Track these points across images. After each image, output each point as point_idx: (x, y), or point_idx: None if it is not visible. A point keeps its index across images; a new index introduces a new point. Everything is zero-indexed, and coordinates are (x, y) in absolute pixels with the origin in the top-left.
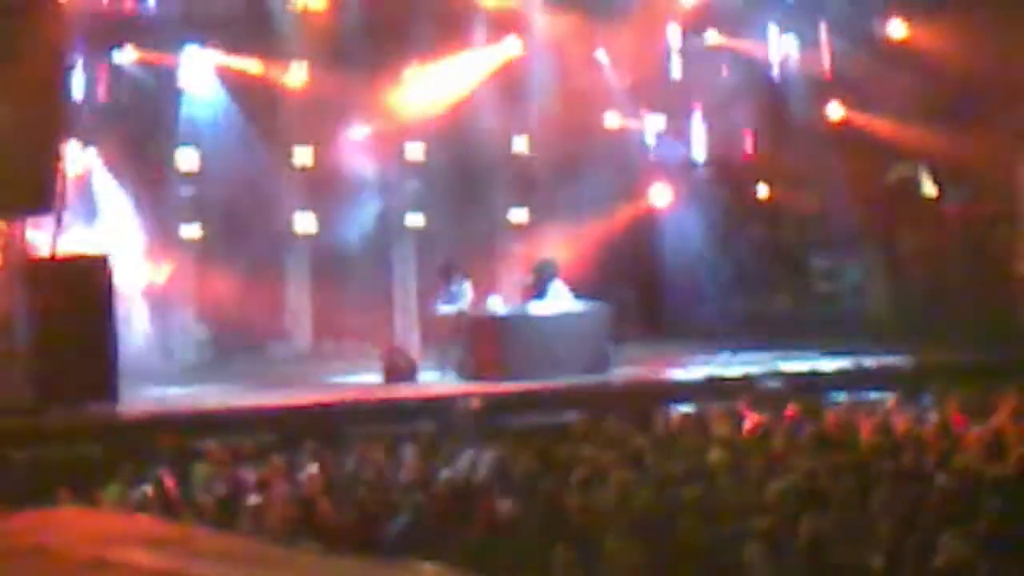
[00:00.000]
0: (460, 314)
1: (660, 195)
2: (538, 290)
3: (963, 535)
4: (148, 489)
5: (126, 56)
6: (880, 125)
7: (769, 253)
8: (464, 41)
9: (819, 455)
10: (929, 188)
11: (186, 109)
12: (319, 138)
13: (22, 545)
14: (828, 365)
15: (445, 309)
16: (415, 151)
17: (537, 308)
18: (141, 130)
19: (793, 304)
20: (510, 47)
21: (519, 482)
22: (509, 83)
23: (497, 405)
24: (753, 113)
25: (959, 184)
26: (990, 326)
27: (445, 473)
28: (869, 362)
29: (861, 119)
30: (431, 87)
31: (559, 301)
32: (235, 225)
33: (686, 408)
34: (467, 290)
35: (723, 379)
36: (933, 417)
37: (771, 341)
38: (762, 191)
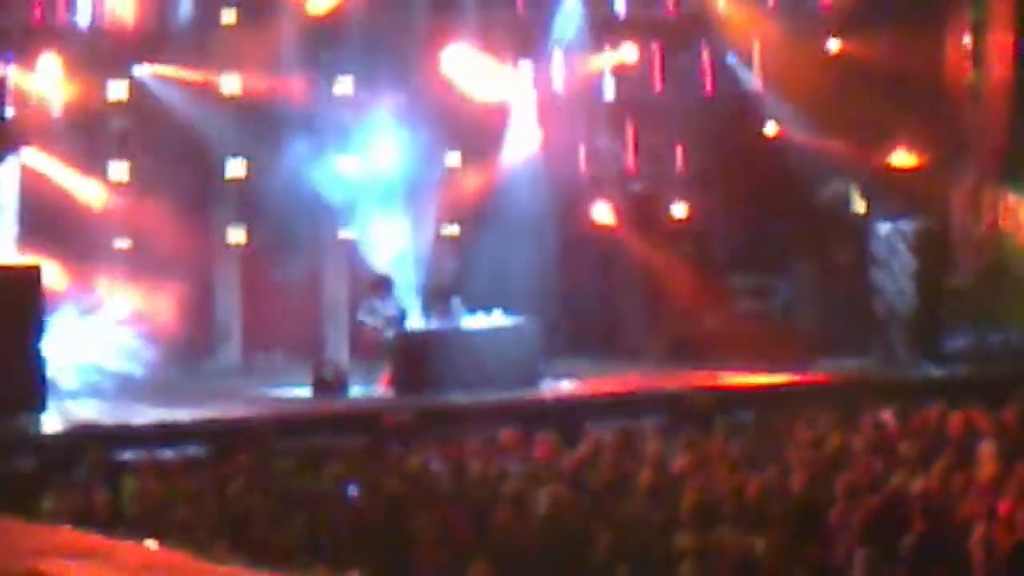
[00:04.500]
0: (387, 327)
1: (601, 213)
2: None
3: (884, 551)
4: (77, 501)
5: (55, 67)
6: (811, 141)
7: (697, 270)
8: (400, 55)
9: (748, 473)
10: (860, 204)
11: (117, 120)
12: (251, 150)
13: None
14: (759, 382)
15: (368, 320)
16: (348, 164)
17: (467, 322)
18: (76, 142)
19: (721, 322)
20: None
21: (444, 496)
22: (440, 99)
23: (426, 419)
24: (685, 130)
25: (890, 200)
26: (923, 342)
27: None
28: (800, 378)
29: (793, 135)
30: (367, 100)
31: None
32: (166, 237)
33: (616, 424)
34: (393, 304)
35: (653, 395)
36: (866, 434)
37: (699, 359)
38: (690, 208)
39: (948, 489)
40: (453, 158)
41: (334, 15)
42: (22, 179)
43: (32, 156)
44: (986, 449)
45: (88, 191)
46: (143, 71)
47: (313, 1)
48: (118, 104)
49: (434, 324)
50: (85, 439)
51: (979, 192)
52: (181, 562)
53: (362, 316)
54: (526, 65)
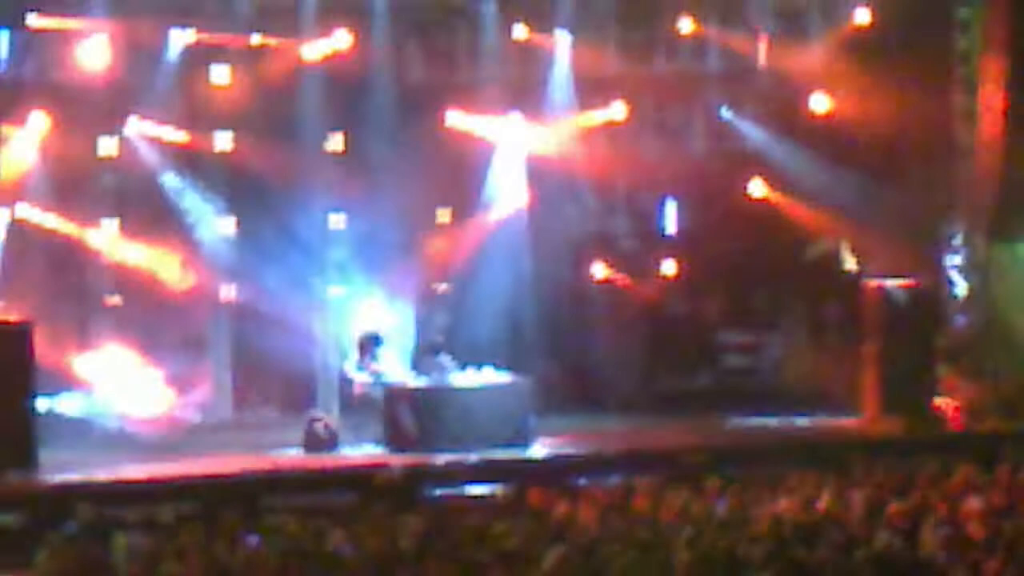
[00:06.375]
0: (378, 384)
1: (591, 270)
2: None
3: None
4: (68, 558)
5: (44, 123)
6: (800, 200)
7: (688, 328)
8: (390, 112)
9: (739, 531)
10: (850, 262)
11: (108, 177)
12: (241, 207)
13: None
14: (747, 440)
15: (360, 378)
16: (337, 220)
17: (458, 379)
18: (66, 198)
19: (712, 379)
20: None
21: (441, 554)
22: (430, 157)
23: (418, 476)
24: (675, 187)
25: (880, 258)
26: (914, 400)
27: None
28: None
29: (781, 195)
30: (357, 157)
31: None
32: (156, 293)
33: (608, 481)
34: (384, 361)
35: (645, 453)
36: (858, 493)
37: (691, 415)
38: (679, 265)
39: (936, 547)
40: (444, 214)
41: (325, 73)
42: (12, 235)
43: (22, 212)
44: (974, 506)
45: (79, 246)
46: (133, 128)
47: (305, 50)
48: (108, 160)
49: (424, 381)
50: (76, 495)
51: (971, 249)
52: None
53: (352, 374)
54: (517, 122)
